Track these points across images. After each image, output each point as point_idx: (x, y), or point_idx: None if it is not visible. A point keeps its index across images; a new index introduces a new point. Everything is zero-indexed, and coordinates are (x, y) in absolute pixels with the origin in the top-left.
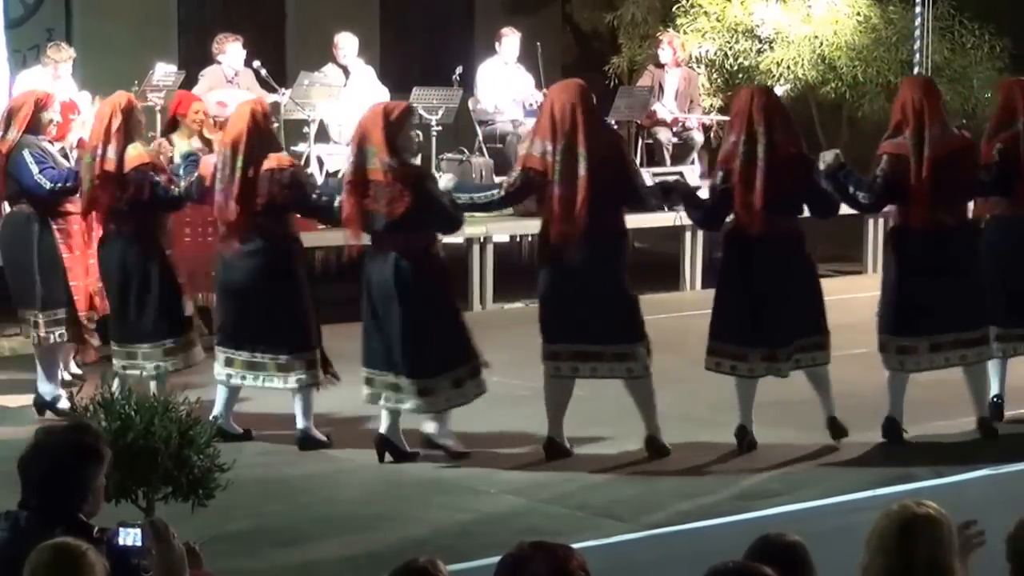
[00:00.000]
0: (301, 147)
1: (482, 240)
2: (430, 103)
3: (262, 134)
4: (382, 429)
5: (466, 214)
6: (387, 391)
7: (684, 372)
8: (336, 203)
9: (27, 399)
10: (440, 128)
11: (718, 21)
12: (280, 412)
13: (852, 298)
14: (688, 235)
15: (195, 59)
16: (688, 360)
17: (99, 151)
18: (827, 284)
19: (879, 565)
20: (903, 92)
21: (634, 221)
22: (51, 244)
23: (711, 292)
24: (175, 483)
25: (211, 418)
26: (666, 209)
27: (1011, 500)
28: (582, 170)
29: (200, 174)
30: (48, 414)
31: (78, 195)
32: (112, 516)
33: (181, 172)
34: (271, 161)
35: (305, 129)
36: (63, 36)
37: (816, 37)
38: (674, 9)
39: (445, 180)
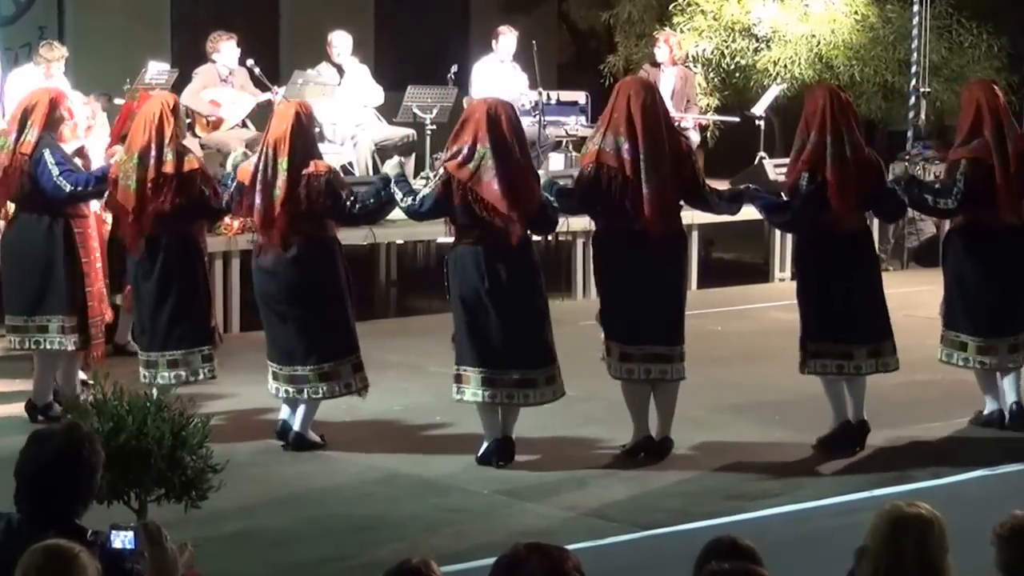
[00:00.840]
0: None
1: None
2: (425, 102)
3: (305, 135)
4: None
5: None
6: (511, 388)
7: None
8: (399, 201)
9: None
10: (435, 127)
11: (715, 20)
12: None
13: None
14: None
15: (188, 57)
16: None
17: (152, 153)
18: None
19: (870, 564)
20: (972, 95)
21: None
22: (72, 248)
23: (707, 292)
24: (168, 484)
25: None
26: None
27: (1008, 500)
28: (667, 169)
29: (239, 181)
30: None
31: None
32: (105, 517)
33: (229, 183)
34: (310, 167)
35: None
36: (55, 34)
37: (813, 36)
38: (671, 8)
39: (390, 165)
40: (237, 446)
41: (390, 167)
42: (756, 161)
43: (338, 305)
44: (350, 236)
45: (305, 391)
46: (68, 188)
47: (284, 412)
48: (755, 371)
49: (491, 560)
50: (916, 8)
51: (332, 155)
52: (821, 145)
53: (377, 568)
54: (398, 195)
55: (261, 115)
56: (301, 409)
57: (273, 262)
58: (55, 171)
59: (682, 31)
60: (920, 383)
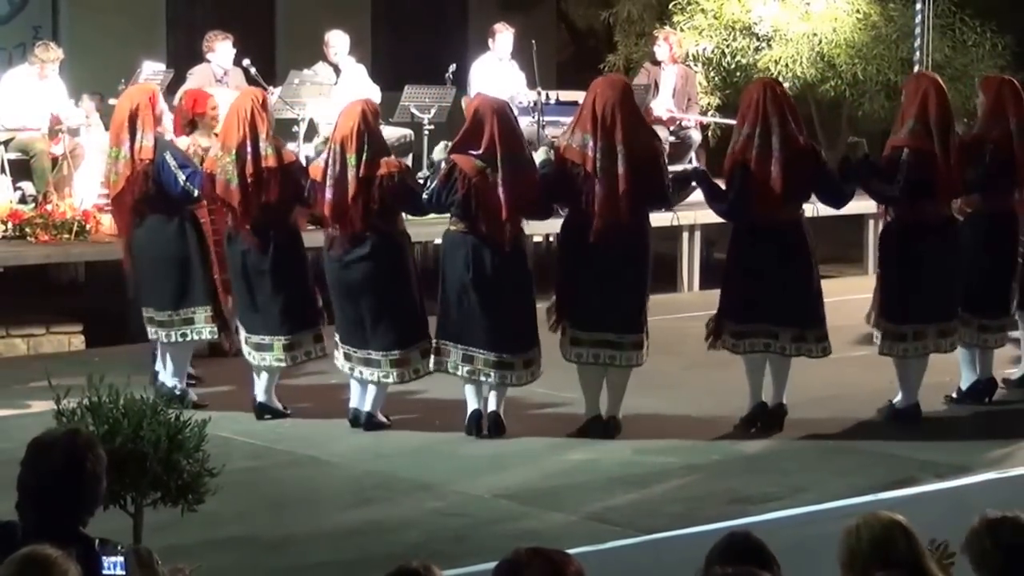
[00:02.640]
0: (291, 146)
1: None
2: (422, 102)
3: (372, 133)
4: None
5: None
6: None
7: (681, 375)
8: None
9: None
10: (432, 127)
11: (715, 19)
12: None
13: (851, 300)
14: (686, 236)
15: (183, 57)
16: (686, 362)
17: (248, 148)
18: (827, 285)
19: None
20: (920, 85)
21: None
22: (203, 241)
23: (710, 293)
24: (164, 488)
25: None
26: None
27: (1011, 504)
28: (621, 168)
29: (312, 178)
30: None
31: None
32: (100, 522)
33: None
34: (382, 167)
35: (295, 128)
36: (50, 34)
37: (815, 35)
38: (671, 6)
39: (437, 151)
40: (232, 450)
41: (437, 152)
42: None
43: (409, 295)
44: None
45: (376, 375)
46: (196, 192)
47: (354, 398)
48: None
49: (492, 564)
50: (919, 6)
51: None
52: (750, 138)
53: (376, 572)
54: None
55: None
56: (372, 392)
57: (345, 254)
58: (180, 175)
59: (682, 30)
60: (928, 386)
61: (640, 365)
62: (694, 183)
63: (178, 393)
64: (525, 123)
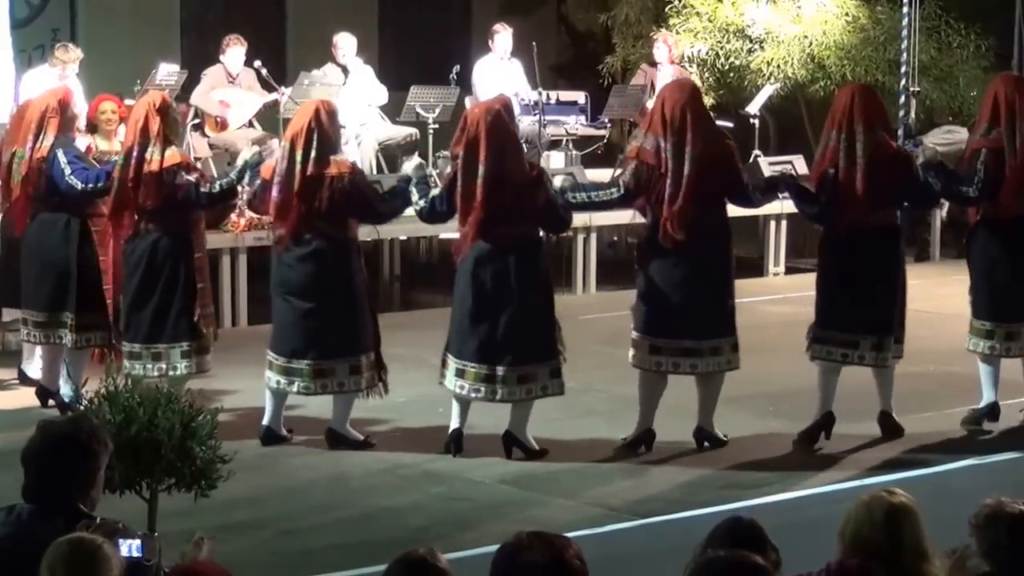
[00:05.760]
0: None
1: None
2: (428, 102)
3: (323, 133)
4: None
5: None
6: (479, 383)
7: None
8: (413, 203)
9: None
10: (437, 126)
11: (710, 21)
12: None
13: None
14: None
15: (197, 59)
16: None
17: (135, 152)
18: (809, 279)
19: (861, 556)
20: (992, 88)
21: (629, 217)
22: (89, 247)
23: None
24: (178, 474)
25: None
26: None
27: (994, 489)
28: (687, 168)
29: (262, 177)
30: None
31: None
32: (116, 507)
33: (246, 180)
34: (332, 167)
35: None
36: (68, 36)
37: (806, 37)
38: (667, 9)
39: (411, 165)
40: (245, 436)
41: (410, 167)
42: (751, 159)
43: (351, 303)
44: None
45: (296, 384)
46: (79, 186)
47: (267, 413)
48: (750, 364)
49: (494, 548)
50: (906, 9)
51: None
52: (837, 143)
53: (383, 557)
54: (414, 196)
55: (268, 115)
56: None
57: (286, 253)
58: (67, 169)
59: (678, 32)
60: (914, 375)
61: (730, 369)
62: (783, 188)
63: (67, 401)
64: (527, 122)
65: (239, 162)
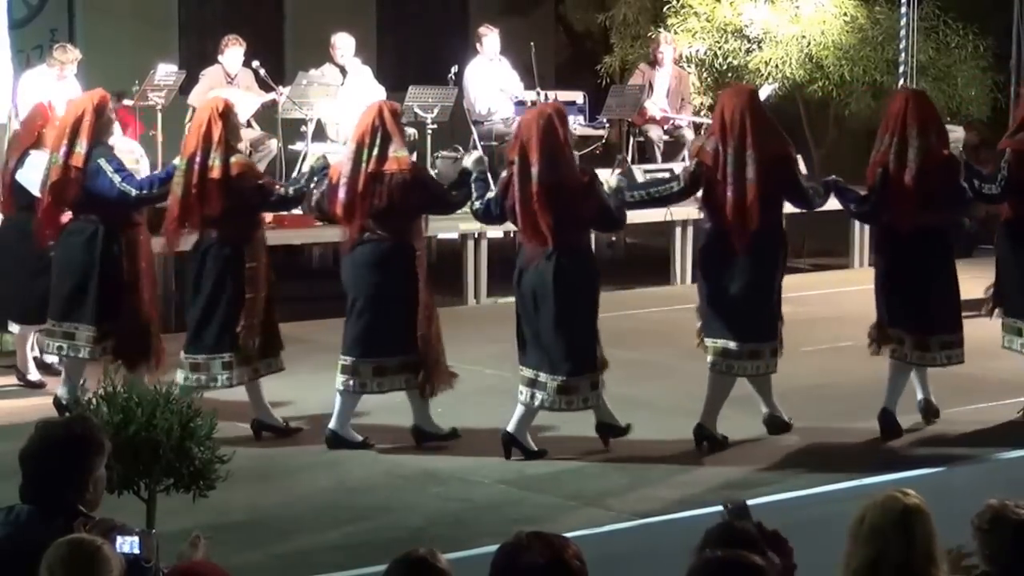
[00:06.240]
0: (299, 146)
1: (476, 236)
2: (426, 102)
3: (386, 132)
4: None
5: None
6: (530, 387)
7: (674, 365)
8: (481, 197)
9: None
10: (435, 126)
11: (708, 21)
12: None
13: (838, 292)
14: (678, 230)
15: (196, 59)
16: (678, 353)
17: (198, 159)
18: (814, 278)
19: (871, 555)
20: None
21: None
22: (115, 259)
23: None
24: (176, 475)
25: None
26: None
27: (992, 489)
28: (751, 173)
29: (329, 179)
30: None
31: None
32: (115, 507)
33: (312, 185)
34: (391, 163)
35: (303, 128)
36: (66, 36)
37: (804, 37)
38: (665, 9)
39: (471, 159)
40: (244, 436)
41: (470, 161)
42: None
43: (406, 303)
44: None
45: (364, 384)
46: (134, 192)
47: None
48: None
49: (493, 548)
50: (904, 9)
51: (334, 154)
52: (889, 147)
53: (382, 557)
54: (473, 194)
55: (266, 115)
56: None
57: (352, 253)
58: (116, 177)
59: (676, 32)
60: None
61: (769, 373)
62: (832, 192)
63: (65, 404)
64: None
65: (305, 168)
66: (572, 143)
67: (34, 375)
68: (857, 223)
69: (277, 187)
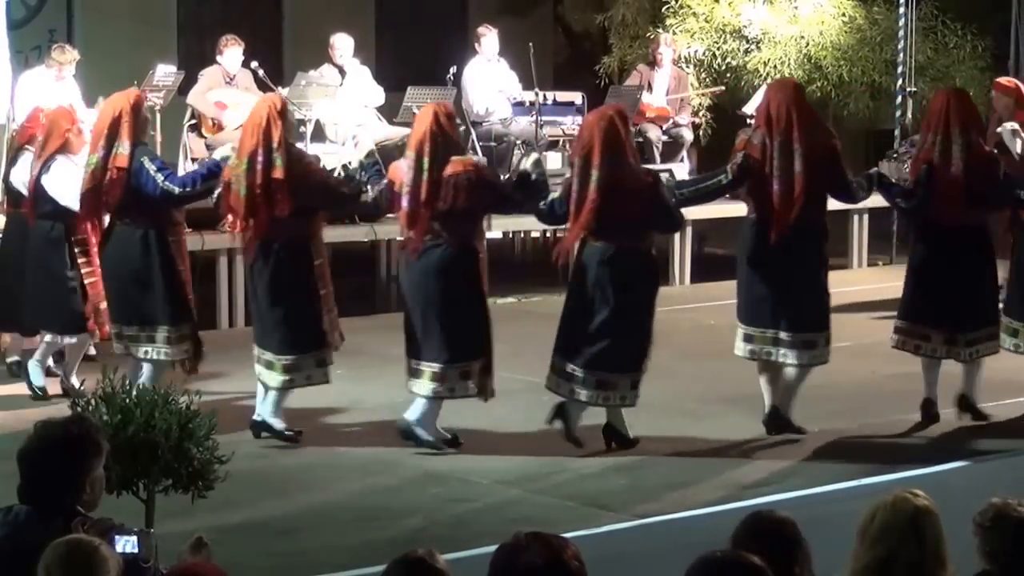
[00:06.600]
0: (298, 146)
1: None
2: (424, 102)
3: (444, 136)
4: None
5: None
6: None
7: (674, 365)
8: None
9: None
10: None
11: (706, 22)
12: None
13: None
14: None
15: (194, 60)
16: (678, 353)
17: (260, 157)
18: None
19: (881, 555)
20: None
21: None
22: (172, 260)
23: (701, 287)
24: (175, 475)
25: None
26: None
27: (992, 489)
28: (798, 166)
29: (389, 179)
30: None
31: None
32: (113, 508)
33: (364, 178)
34: (451, 166)
35: (302, 129)
36: (65, 37)
37: (802, 37)
38: (663, 10)
39: (529, 161)
40: (242, 439)
41: (529, 163)
42: None
43: (468, 306)
44: (350, 234)
45: (419, 387)
46: (177, 190)
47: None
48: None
49: (492, 548)
50: (902, 10)
51: (333, 154)
52: (934, 144)
53: (381, 557)
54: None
55: None
56: (416, 405)
57: (415, 260)
58: (159, 176)
59: (674, 33)
60: (912, 375)
61: (819, 364)
62: (876, 187)
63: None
64: (524, 122)
65: (354, 165)
66: (633, 144)
67: None
68: (856, 223)
69: (342, 187)
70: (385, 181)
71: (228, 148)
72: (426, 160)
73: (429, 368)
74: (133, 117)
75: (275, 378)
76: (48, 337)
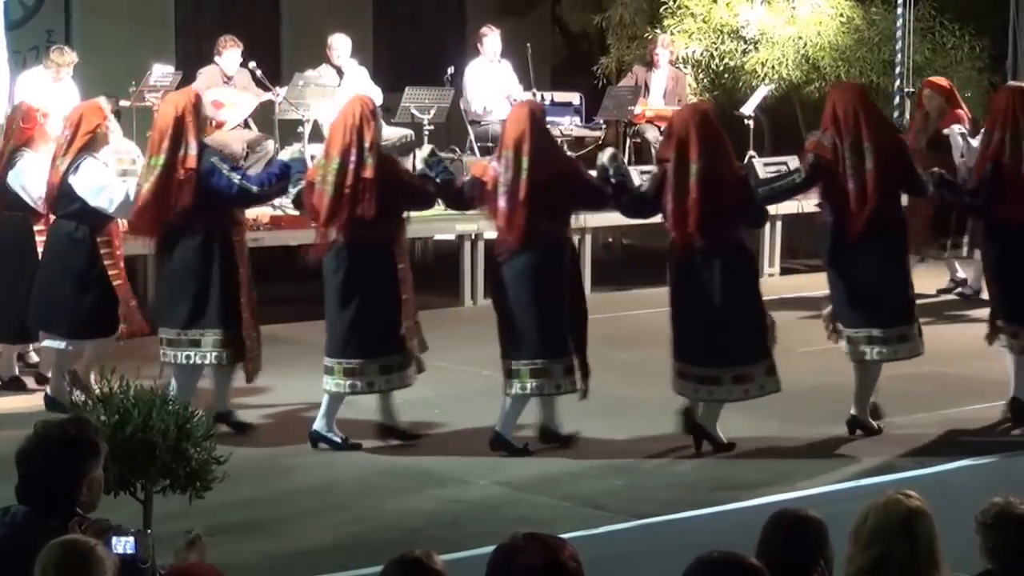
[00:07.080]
0: (296, 146)
1: (473, 237)
2: (422, 103)
3: (544, 134)
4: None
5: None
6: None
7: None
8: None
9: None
10: (432, 127)
11: (704, 22)
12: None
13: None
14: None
15: (192, 60)
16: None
17: (352, 157)
18: (812, 279)
19: (875, 556)
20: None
21: (623, 218)
22: (233, 262)
23: None
24: (172, 475)
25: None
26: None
27: (990, 489)
28: (869, 164)
29: (474, 175)
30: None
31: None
32: (111, 509)
33: (434, 175)
34: (551, 163)
35: (300, 129)
36: (62, 37)
37: (800, 38)
38: (661, 10)
39: (606, 155)
40: (240, 439)
41: (606, 157)
42: (746, 160)
43: (554, 304)
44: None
45: (513, 386)
46: (255, 189)
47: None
48: None
49: (490, 549)
50: (900, 10)
51: None
52: (1002, 141)
53: (378, 558)
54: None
55: (263, 116)
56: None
57: (509, 259)
58: (235, 176)
59: (672, 33)
60: (909, 376)
61: (913, 356)
62: (936, 185)
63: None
64: None
65: (419, 164)
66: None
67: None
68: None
69: (427, 186)
70: (469, 177)
71: (296, 149)
72: (525, 160)
73: (530, 366)
74: (195, 116)
75: (334, 383)
76: (47, 342)
